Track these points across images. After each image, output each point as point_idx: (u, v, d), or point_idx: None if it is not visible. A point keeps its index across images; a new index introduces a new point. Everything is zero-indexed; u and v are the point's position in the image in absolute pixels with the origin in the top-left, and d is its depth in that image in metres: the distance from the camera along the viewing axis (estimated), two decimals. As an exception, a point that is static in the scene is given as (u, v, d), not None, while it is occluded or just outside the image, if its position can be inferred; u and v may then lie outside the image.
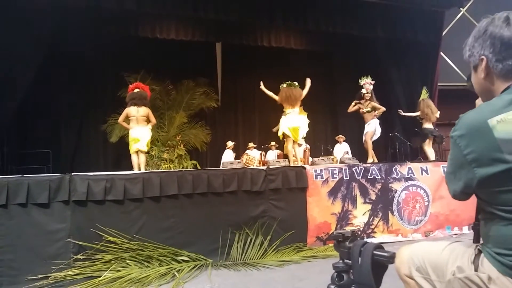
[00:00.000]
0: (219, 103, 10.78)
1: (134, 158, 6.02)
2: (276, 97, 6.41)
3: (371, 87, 6.90)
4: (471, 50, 1.25)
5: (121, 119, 6.16)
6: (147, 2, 6.88)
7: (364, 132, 7.06)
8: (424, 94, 7.98)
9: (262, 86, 6.52)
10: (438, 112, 7.59)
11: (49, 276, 3.81)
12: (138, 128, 5.97)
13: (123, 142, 8.90)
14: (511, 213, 1.08)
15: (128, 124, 6.08)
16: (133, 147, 5.99)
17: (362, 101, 6.88)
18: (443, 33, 9.06)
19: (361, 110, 7.04)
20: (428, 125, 7.57)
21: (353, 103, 7.11)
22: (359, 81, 6.92)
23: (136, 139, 5.94)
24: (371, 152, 7.03)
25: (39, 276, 3.79)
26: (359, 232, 5.17)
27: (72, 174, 4.22)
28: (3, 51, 6.22)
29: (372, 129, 6.98)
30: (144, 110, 6.05)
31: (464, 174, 1.15)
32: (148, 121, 6.15)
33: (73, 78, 9.33)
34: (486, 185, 1.11)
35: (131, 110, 6.00)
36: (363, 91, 6.82)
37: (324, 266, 4.06)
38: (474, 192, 1.19)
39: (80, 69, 9.34)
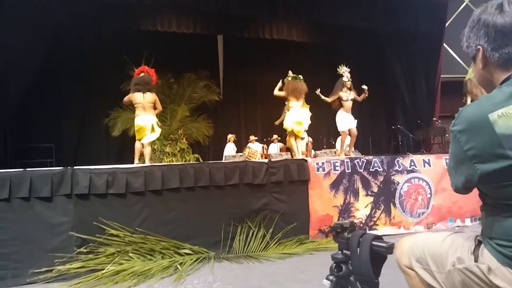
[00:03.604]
0: (221, 96, 10.76)
1: (137, 145, 5.69)
2: (281, 93, 6.38)
3: (349, 75, 6.64)
4: (468, 40, 1.23)
5: (125, 100, 5.78)
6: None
7: (353, 125, 6.60)
8: (470, 74, 7.10)
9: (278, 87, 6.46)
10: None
11: (53, 269, 3.83)
12: (145, 116, 5.60)
13: (126, 135, 8.93)
14: (510, 205, 1.07)
15: (134, 111, 5.71)
16: (138, 135, 5.63)
17: (344, 89, 6.60)
18: (446, 24, 8.99)
19: (344, 99, 6.52)
20: None
21: (336, 93, 6.54)
22: (338, 70, 6.68)
23: (143, 128, 5.58)
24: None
25: (43, 269, 3.81)
26: (361, 225, 5.18)
27: (74, 167, 4.23)
28: (4, 46, 6.22)
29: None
30: (150, 96, 5.66)
31: (465, 169, 1.13)
32: (154, 107, 5.76)
33: (75, 72, 9.32)
34: (487, 181, 1.10)
35: (136, 97, 5.60)
36: (344, 79, 6.54)
37: (325, 259, 4.05)
38: (476, 186, 1.18)
39: (82, 63, 9.33)
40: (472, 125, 1.09)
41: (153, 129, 5.70)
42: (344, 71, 6.55)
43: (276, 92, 6.43)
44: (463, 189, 1.21)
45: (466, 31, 1.23)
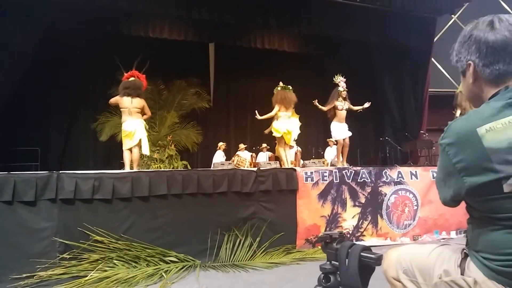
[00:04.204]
0: (211, 104, 10.74)
1: (126, 154, 5.48)
2: (273, 113, 6.43)
3: (345, 85, 6.73)
4: (458, 55, 1.25)
5: (112, 101, 5.63)
6: (140, 0, 6.83)
7: (348, 135, 6.66)
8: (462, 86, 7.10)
9: (258, 116, 6.55)
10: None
11: (34, 275, 3.75)
12: (132, 121, 5.44)
13: (113, 140, 8.83)
14: (500, 219, 1.08)
15: (120, 116, 5.54)
16: (126, 143, 5.43)
17: (339, 99, 6.65)
18: (435, 40, 9.16)
19: (339, 108, 6.59)
20: None
21: (331, 102, 6.61)
22: (334, 79, 6.75)
23: (131, 134, 5.41)
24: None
25: (24, 275, 3.73)
26: (348, 235, 5.18)
27: (60, 172, 4.17)
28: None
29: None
30: (138, 102, 5.49)
31: (454, 182, 1.14)
32: (142, 113, 5.62)
33: (64, 76, 9.22)
34: (475, 194, 1.11)
35: (124, 101, 5.42)
36: (340, 88, 6.60)
37: (312, 269, 4.04)
38: (464, 199, 1.19)
39: (70, 67, 9.24)
40: (461, 138, 1.11)
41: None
42: (340, 81, 6.62)
43: (260, 117, 6.53)
44: (451, 202, 1.22)
45: (456, 46, 1.25)
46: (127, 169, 5.42)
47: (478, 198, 1.12)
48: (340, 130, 6.59)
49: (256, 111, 6.58)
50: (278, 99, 6.38)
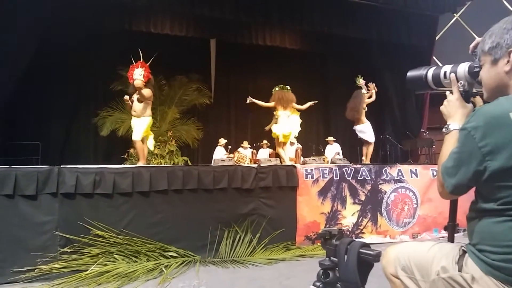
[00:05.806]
0: (212, 100, 10.72)
1: (141, 144, 5.38)
2: (268, 104, 6.46)
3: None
4: (497, 40, 1.20)
5: (150, 95, 5.37)
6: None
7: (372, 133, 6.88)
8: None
9: (251, 100, 6.55)
10: None
11: (35, 269, 3.77)
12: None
13: (114, 135, 8.84)
14: (507, 209, 1.09)
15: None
16: (143, 134, 5.38)
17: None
18: (436, 38, 9.15)
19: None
20: None
21: (362, 104, 6.80)
22: (356, 82, 6.78)
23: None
24: None
25: (25, 269, 3.75)
26: (348, 233, 5.20)
27: (61, 166, 4.18)
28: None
29: None
30: None
31: (474, 167, 1.12)
32: None
33: (65, 70, 9.20)
34: (497, 179, 1.10)
35: (152, 95, 5.47)
36: (364, 91, 6.69)
37: (311, 265, 4.07)
38: (478, 185, 1.18)
39: (72, 61, 9.21)
40: (491, 121, 1.10)
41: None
42: (362, 83, 6.69)
43: (263, 104, 6.56)
44: (464, 188, 1.18)
45: (498, 31, 1.21)
46: (143, 160, 5.35)
47: (495, 184, 1.11)
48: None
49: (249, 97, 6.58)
50: (276, 99, 6.43)
